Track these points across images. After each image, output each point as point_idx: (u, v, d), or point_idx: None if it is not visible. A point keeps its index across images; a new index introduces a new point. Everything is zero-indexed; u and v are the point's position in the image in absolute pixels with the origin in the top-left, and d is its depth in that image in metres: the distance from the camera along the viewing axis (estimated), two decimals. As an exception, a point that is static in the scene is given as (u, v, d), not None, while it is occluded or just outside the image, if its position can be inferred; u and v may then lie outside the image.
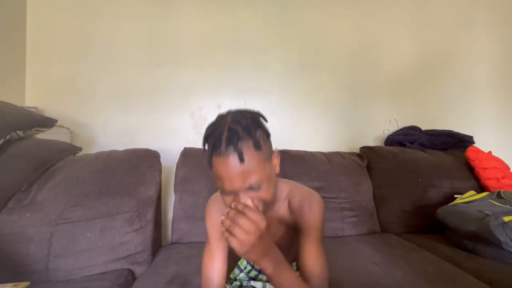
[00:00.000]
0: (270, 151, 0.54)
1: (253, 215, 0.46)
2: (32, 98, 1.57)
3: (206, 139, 0.52)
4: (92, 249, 0.91)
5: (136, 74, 1.65)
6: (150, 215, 1.04)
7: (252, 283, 0.75)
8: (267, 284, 0.72)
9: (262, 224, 0.46)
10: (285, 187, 0.64)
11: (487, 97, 1.91)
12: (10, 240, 0.86)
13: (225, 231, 0.46)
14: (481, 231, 1.01)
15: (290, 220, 0.63)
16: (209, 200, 0.69)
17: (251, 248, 0.46)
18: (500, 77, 1.92)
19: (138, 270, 0.97)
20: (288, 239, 0.65)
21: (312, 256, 0.57)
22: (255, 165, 0.49)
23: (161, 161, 1.26)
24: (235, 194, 0.51)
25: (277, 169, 0.57)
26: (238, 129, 0.48)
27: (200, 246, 1.14)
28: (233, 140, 0.47)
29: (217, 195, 0.68)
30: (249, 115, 0.52)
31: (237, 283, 0.77)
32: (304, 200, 0.61)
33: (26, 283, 0.84)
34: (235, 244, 0.46)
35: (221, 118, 0.52)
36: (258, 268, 0.74)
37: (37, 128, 1.17)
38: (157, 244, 1.18)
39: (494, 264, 0.96)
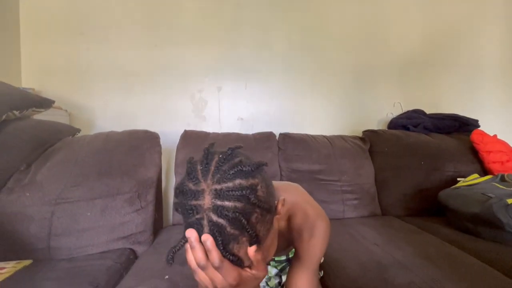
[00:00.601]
0: (271, 218, 0.38)
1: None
2: (29, 80, 1.54)
3: (177, 210, 0.37)
4: (93, 229, 0.91)
5: (134, 55, 1.61)
6: (150, 196, 1.04)
7: None
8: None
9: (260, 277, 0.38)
10: (286, 205, 0.51)
11: (495, 80, 1.86)
12: (10, 219, 0.86)
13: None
14: (483, 213, 1.01)
15: (288, 237, 0.55)
16: None
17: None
18: (509, 60, 1.86)
19: (139, 249, 0.98)
20: (283, 248, 0.60)
21: (302, 285, 0.51)
22: (252, 257, 0.35)
23: (162, 144, 1.25)
24: None
25: (280, 212, 0.41)
26: (224, 226, 0.33)
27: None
28: (217, 241, 0.33)
29: None
30: (240, 184, 0.34)
31: None
32: (305, 223, 0.51)
33: (29, 261, 0.85)
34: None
35: (196, 193, 0.34)
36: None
37: (34, 109, 1.14)
38: (158, 225, 1.19)
39: (495, 246, 0.96)
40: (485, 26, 1.84)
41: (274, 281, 0.72)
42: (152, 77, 1.62)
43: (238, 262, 0.35)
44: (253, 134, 1.46)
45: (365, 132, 1.60)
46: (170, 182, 1.61)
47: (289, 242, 0.56)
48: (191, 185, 0.35)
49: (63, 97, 1.53)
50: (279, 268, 0.74)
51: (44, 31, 1.54)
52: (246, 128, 1.67)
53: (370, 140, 1.51)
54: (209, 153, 0.38)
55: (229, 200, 0.33)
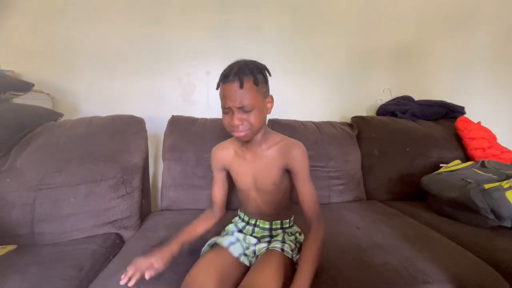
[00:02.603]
0: (266, 93, 0.71)
1: None
2: (7, 62, 1.46)
3: (221, 73, 0.68)
4: (78, 214, 0.91)
5: (117, 36, 1.54)
6: (136, 182, 1.04)
7: (236, 234, 0.80)
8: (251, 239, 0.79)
9: None
10: (277, 137, 0.78)
11: (483, 66, 1.86)
12: (-9, 205, 0.85)
13: None
14: (461, 198, 1.04)
15: (281, 162, 0.75)
16: (212, 149, 0.85)
17: None
18: (499, 46, 1.86)
19: (126, 234, 0.99)
20: (280, 176, 0.77)
21: (308, 191, 0.74)
22: (250, 93, 0.65)
23: (150, 129, 1.23)
24: (231, 113, 0.66)
25: (269, 111, 0.72)
26: (245, 69, 0.65)
27: (188, 212, 1.16)
28: (239, 73, 0.64)
29: (217, 146, 0.85)
30: (257, 64, 0.69)
31: (225, 232, 0.83)
32: (291, 146, 0.74)
33: (13, 246, 0.85)
34: None
35: (235, 61, 0.68)
36: (252, 223, 0.83)
37: (12, 92, 1.10)
38: (146, 210, 1.19)
39: (470, 229, 1.00)
40: (477, 13, 1.82)
41: (251, 249, 0.77)
42: (138, 59, 1.57)
43: (241, 84, 0.64)
44: (241, 120, 1.44)
45: (353, 118, 1.61)
46: (158, 168, 1.60)
47: (283, 167, 0.75)
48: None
49: (45, 81, 1.47)
50: (259, 235, 0.80)
51: (20, 8, 1.46)
52: (235, 113, 1.66)
53: (358, 126, 1.52)
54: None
55: (251, 64, 0.68)
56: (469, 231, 0.99)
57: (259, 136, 0.74)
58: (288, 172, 0.77)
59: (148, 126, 1.25)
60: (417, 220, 1.09)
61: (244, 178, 0.79)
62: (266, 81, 0.70)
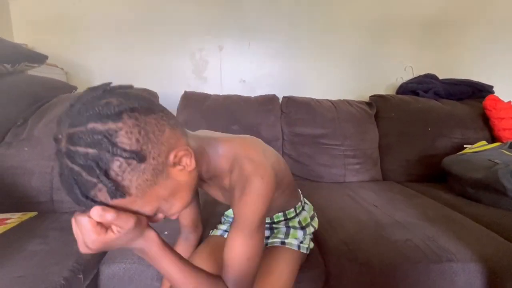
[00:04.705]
0: (156, 166, 0.35)
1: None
2: (20, 36, 1.46)
3: None
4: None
5: (129, 8, 1.50)
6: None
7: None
8: None
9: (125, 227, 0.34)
10: (227, 159, 0.48)
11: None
12: (11, 173, 0.87)
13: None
14: (487, 178, 0.99)
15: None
16: None
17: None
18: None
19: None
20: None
21: (233, 246, 0.44)
22: (131, 208, 0.35)
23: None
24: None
25: (192, 164, 0.39)
26: (79, 172, 0.31)
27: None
28: (78, 195, 0.32)
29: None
30: (94, 128, 0.31)
31: (223, 219, 0.77)
32: (239, 180, 0.45)
33: (34, 213, 0.87)
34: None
35: (56, 140, 0.33)
36: None
37: (27, 63, 1.10)
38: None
39: (495, 211, 0.96)
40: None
41: None
42: (150, 34, 1.53)
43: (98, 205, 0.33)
44: (255, 97, 1.40)
45: (372, 97, 1.54)
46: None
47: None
48: (56, 126, 0.33)
49: (59, 55, 1.46)
50: None
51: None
52: (248, 90, 1.61)
53: (377, 105, 1.45)
54: (89, 91, 0.34)
55: (81, 146, 0.30)
56: (493, 213, 0.95)
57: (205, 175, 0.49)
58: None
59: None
60: (437, 201, 1.05)
61: (218, 198, 0.60)
62: (139, 158, 0.33)
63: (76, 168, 0.31)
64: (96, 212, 0.32)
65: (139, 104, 0.34)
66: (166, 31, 1.54)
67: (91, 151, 0.30)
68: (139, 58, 1.55)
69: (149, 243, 0.38)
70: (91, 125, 0.31)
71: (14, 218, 0.82)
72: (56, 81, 1.20)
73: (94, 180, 0.31)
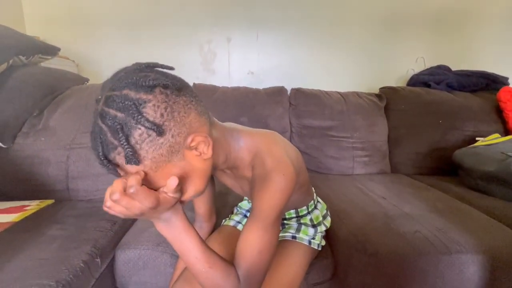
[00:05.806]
0: (173, 144, 0.36)
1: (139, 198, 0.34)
2: (32, 29, 1.48)
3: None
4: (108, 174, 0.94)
5: (139, 2, 1.51)
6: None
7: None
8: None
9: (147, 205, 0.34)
10: (249, 152, 0.49)
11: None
12: (29, 162, 0.90)
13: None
14: (499, 171, 0.98)
15: None
16: None
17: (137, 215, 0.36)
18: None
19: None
20: None
21: (247, 238, 0.45)
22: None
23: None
24: None
25: (208, 153, 0.39)
26: (106, 132, 0.33)
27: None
28: (99, 153, 0.34)
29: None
30: (127, 95, 0.33)
31: (236, 210, 0.79)
32: (260, 174, 0.46)
33: (51, 201, 0.91)
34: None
35: (97, 100, 0.36)
36: None
37: (41, 56, 1.12)
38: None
39: (505, 203, 0.95)
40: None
41: None
42: (159, 26, 1.54)
43: (115, 171, 0.36)
44: (263, 89, 1.40)
45: (382, 89, 1.52)
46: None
47: None
48: (100, 89, 0.37)
49: (70, 48, 1.49)
50: None
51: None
52: (257, 82, 1.61)
53: (387, 97, 1.43)
54: (135, 64, 0.38)
55: (113, 108, 0.33)
56: (505, 206, 0.93)
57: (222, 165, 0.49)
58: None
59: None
60: (447, 194, 1.04)
61: (234, 189, 0.62)
62: (158, 132, 0.34)
63: (104, 128, 0.33)
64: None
65: (173, 83, 0.36)
66: (175, 24, 1.54)
67: (119, 114, 0.33)
68: (148, 51, 1.56)
69: (176, 214, 0.40)
70: (125, 91, 0.34)
71: (32, 205, 0.86)
72: (69, 73, 1.22)
73: (116, 142, 0.33)
